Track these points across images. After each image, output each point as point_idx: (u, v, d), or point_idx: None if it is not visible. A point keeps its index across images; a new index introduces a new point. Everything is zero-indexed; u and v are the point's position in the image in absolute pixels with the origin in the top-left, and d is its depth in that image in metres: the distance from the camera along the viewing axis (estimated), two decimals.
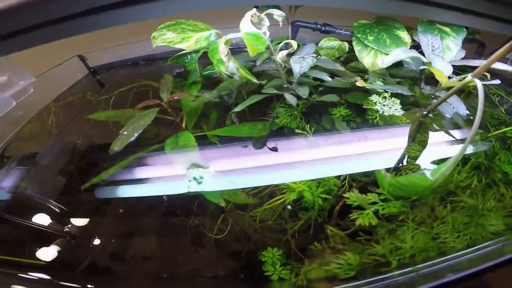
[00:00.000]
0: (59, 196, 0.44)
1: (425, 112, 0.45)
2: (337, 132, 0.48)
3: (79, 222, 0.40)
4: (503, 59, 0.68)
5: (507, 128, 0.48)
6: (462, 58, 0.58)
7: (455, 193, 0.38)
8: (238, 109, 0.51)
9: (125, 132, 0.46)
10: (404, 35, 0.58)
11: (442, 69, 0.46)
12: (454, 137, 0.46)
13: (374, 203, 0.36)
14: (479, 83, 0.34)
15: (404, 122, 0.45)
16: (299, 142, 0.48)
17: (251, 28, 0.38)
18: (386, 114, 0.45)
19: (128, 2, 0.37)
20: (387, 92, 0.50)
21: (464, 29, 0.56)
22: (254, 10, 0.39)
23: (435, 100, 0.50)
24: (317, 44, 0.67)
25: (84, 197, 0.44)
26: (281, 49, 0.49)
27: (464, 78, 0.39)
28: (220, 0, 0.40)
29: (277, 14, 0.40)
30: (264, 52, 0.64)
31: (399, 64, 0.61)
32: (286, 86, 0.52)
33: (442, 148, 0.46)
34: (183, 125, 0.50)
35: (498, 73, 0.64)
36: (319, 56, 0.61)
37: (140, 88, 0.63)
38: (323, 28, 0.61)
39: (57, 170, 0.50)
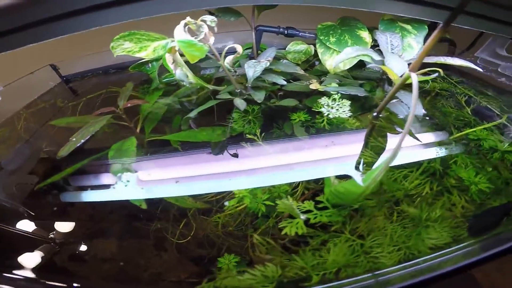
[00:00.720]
0: (22, 199, 0.44)
1: (375, 114, 0.43)
2: (296, 137, 0.46)
3: (40, 224, 0.39)
4: (472, 57, 0.65)
5: (469, 130, 0.44)
6: (433, 56, 0.54)
7: (403, 202, 0.35)
8: (192, 114, 0.50)
9: (74, 139, 0.46)
10: (365, 34, 0.55)
11: (396, 67, 0.43)
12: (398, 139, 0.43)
13: (309, 211, 0.33)
14: (414, 78, 0.31)
15: (353, 126, 0.42)
16: (255, 149, 0.46)
17: (184, 35, 0.37)
18: (332, 116, 0.42)
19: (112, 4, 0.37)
20: (337, 94, 0.47)
21: (426, 27, 0.53)
22: (188, 18, 0.38)
23: (393, 101, 0.47)
24: (285, 48, 0.66)
25: (48, 200, 0.44)
26: (226, 54, 0.47)
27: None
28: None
29: (210, 20, 0.38)
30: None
31: (363, 66, 0.58)
32: (239, 91, 0.50)
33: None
34: (137, 131, 0.50)
35: (469, 72, 0.61)
36: (283, 60, 0.59)
37: (108, 95, 0.63)
38: (286, 31, 0.60)
39: (22, 174, 0.50)
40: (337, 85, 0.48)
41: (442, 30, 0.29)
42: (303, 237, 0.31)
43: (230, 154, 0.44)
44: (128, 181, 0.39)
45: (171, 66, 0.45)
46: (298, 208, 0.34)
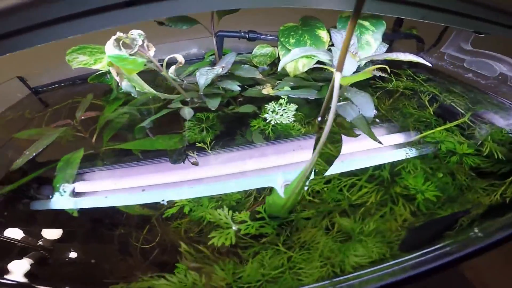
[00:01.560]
0: None
1: (319, 119, 0.40)
2: (254, 144, 0.44)
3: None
4: (439, 53, 0.62)
5: (427, 132, 0.41)
6: (384, 53, 0.52)
7: (341, 213, 0.32)
8: (145, 123, 0.48)
9: (27, 152, 0.46)
10: (323, 34, 0.52)
11: (346, 67, 0.40)
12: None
13: (244, 221, 0.31)
14: (337, 78, 0.29)
15: (297, 131, 0.40)
16: (208, 157, 0.44)
17: (114, 51, 0.35)
18: (275, 122, 0.40)
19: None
20: (285, 98, 0.45)
21: (383, 22, 0.50)
22: (118, 33, 0.36)
23: (342, 103, 0.44)
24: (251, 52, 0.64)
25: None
26: (168, 65, 0.45)
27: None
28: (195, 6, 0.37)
29: (137, 34, 0.37)
30: (189, 66, 0.61)
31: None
32: (189, 99, 0.48)
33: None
34: (93, 141, 0.48)
35: (437, 69, 0.57)
36: (244, 65, 0.57)
37: (74, 105, 0.62)
38: (247, 35, 0.58)
39: None
40: (289, 89, 0.46)
41: (354, 21, 0.26)
42: (241, 247, 0.29)
43: (191, 162, 0.42)
44: (64, 191, 0.38)
45: (116, 79, 0.44)
46: (233, 219, 0.32)
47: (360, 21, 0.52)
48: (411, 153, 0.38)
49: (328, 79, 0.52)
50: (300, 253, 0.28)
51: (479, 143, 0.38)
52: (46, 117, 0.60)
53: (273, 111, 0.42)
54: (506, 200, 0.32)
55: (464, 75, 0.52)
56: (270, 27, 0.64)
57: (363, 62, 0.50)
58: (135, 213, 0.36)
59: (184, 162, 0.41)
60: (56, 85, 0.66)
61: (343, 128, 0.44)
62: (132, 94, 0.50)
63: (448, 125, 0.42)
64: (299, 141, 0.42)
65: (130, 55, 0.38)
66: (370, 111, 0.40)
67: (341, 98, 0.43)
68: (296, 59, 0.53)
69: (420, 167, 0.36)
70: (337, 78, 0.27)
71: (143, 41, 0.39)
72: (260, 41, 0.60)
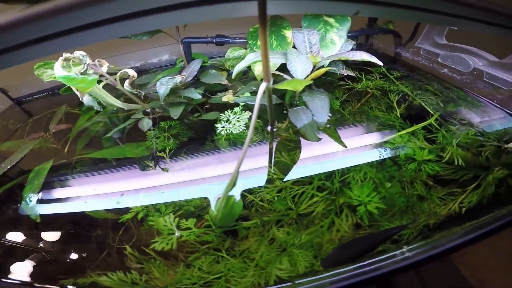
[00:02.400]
0: None
1: (268, 127, 0.38)
2: (218, 151, 0.43)
3: None
4: (413, 47, 0.57)
5: (389, 137, 0.39)
6: (350, 50, 0.48)
7: (280, 224, 0.31)
8: (110, 134, 0.48)
9: (3, 165, 0.47)
10: (289, 33, 0.50)
11: (300, 69, 0.38)
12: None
13: (188, 228, 0.31)
14: (261, 88, 0.26)
15: (249, 140, 0.38)
16: (172, 164, 0.44)
17: (61, 72, 0.35)
18: (225, 132, 0.39)
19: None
20: (240, 106, 0.43)
21: (349, 19, 0.47)
22: (65, 54, 0.36)
23: (295, 108, 0.41)
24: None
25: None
26: (122, 78, 0.44)
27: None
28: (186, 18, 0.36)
29: (80, 54, 0.36)
30: (158, 74, 0.60)
31: None
32: (149, 110, 0.48)
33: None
34: (65, 151, 0.49)
35: (414, 65, 0.54)
36: (211, 70, 0.55)
37: (53, 115, 0.63)
38: (214, 40, 0.56)
39: None
40: (249, 95, 0.44)
41: (262, 28, 0.23)
42: (187, 252, 0.29)
43: (161, 168, 0.42)
44: (30, 200, 0.39)
45: (77, 94, 0.44)
46: (179, 225, 0.32)
47: (326, 18, 0.49)
48: (367, 159, 0.36)
49: None
50: (237, 261, 0.27)
51: (441, 148, 0.36)
52: (28, 128, 0.61)
53: (226, 120, 0.41)
54: (462, 211, 0.30)
55: (439, 71, 0.49)
56: (244, 28, 0.62)
57: (327, 62, 0.48)
58: (97, 217, 0.37)
59: (145, 169, 0.41)
60: (37, 95, 0.68)
61: (308, 133, 0.42)
62: (95, 108, 0.50)
63: (412, 128, 0.39)
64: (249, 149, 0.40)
65: (81, 73, 0.38)
66: (323, 117, 0.37)
67: (297, 103, 0.41)
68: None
69: (371, 176, 0.34)
70: (261, 89, 0.26)
71: (99, 61, 0.39)
72: (230, 45, 0.58)
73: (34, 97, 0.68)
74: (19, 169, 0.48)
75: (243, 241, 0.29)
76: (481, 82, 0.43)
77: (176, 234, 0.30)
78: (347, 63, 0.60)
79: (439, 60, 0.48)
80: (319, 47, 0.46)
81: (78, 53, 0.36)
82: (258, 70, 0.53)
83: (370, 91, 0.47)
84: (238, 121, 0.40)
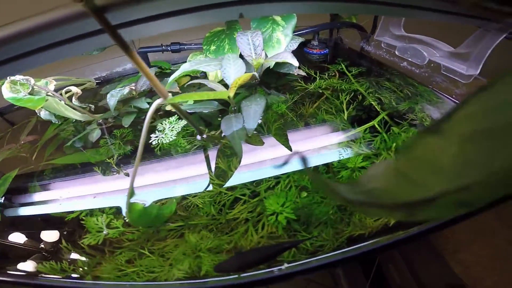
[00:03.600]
0: None
1: (199, 137, 0.37)
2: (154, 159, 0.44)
3: None
4: (375, 41, 0.52)
5: (329, 143, 0.36)
6: (293, 50, 0.45)
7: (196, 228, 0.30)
8: (69, 143, 0.50)
9: None
10: None
11: (232, 76, 0.36)
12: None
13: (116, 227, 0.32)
14: (154, 105, 0.26)
15: (182, 148, 0.38)
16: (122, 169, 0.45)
17: (9, 94, 0.38)
18: (158, 141, 0.38)
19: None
20: (176, 115, 0.42)
21: (294, 15, 0.44)
22: (9, 77, 0.38)
23: (229, 115, 0.39)
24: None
25: None
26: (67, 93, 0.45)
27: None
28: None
29: (21, 78, 0.38)
30: (119, 83, 0.61)
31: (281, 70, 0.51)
32: (101, 120, 0.48)
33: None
34: (33, 159, 0.52)
35: (377, 59, 0.49)
36: (166, 78, 0.55)
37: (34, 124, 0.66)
38: (169, 48, 0.55)
39: None
40: (192, 102, 0.43)
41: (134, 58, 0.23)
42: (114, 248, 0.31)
43: (124, 173, 0.44)
44: None
45: (37, 111, 0.46)
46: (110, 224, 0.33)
47: (274, 17, 0.46)
48: (299, 166, 0.34)
49: (249, 85, 0.48)
50: (152, 257, 0.27)
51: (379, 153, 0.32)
52: (8, 136, 0.66)
53: (161, 130, 0.40)
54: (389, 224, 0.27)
55: (400, 64, 0.44)
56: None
57: (272, 63, 0.45)
58: (48, 217, 0.39)
59: (128, 174, 0.42)
60: (17, 106, 0.72)
61: (252, 138, 0.41)
62: (52, 121, 0.52)
63: (353, 131, 0.36)
64: (178, 158, 0.40)
65: (29, 93, 0.40)
66: (252, 124, 0.35)
67: (234, 108, 0.39)
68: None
69: (295, 184, 0.32)
70: (153, 107, 0.25)
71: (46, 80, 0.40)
72: (190, 51, 0.58)
73: (15, 107, 0.72)
74: None
75: (162, 241, 0.30)
76: (439, 75, 0.39)
77: (104, 232, 0.33)
78: (311, 61, 0.57)
79: (396, 53, 0.44)
80: (264, 48, 0.44)
81: (18, 77, 0.38)
82: (212, 75, 0.52)
83: (321, 91, 0.44)
84: (172, 130, 0.40)
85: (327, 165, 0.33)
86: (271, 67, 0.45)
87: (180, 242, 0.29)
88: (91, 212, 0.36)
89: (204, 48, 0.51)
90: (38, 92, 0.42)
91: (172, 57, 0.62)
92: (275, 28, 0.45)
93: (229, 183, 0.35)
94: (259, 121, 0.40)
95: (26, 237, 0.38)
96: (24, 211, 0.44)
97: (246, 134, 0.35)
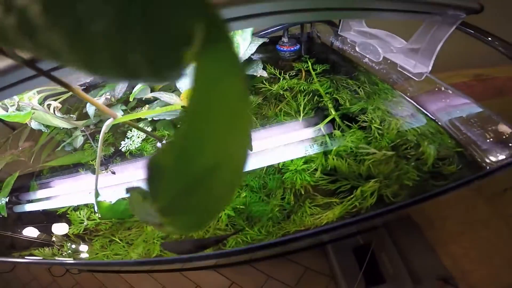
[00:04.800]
0: None
1: (159, 144, 0.40)
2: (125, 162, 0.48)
3: None
4: (342, 37, 0.50)
5: (277, 145, 0.37)
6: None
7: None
8: (60, 147, 0.55)
9: None
10: None
11: (184, 85, 0.38)
12: None
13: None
14: (106, 123, 0.28)
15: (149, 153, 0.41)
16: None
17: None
18: (127, 148, 0.42)
19: None
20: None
21: None
22: None
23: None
24: None
25: None
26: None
27: None
28: None
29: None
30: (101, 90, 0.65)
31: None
32: (83, 128, 0.53)
33: None
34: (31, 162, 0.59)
35: (345, 55, 0.48)
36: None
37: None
38: None
39: None
40: (160, 110, 0.46)
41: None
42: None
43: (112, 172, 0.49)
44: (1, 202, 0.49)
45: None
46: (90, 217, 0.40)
47: None
48: (253, 167, 0.36)
49: None
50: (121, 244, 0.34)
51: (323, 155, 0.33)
52: (11, 140, 0.73)
53: (130, 137, 0.43)
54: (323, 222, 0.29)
55: (363, 60, 0.43)
56: None
57: None
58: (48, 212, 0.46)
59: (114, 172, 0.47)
60: None
61: None
62: (43, 130, 0.57)
63: (300, 136, 0.37)
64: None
65: (16, 109, 0.45)
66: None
67: None
68: None
69: (245, 183, 0.34)
70: (105, 126, 0.28)
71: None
72: None
73: None
74: None
75: (128, 231, 0.36)
76: (395, 72, 0.38)
77: (85, 223, 0.39)
78: (283, 59, 0.57)
79: (357, 49, 0.43)
80: None
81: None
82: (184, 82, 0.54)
83: (282, 93, 0.45)
84: (138, 137, 0.43)
85: (274, 166, 0.35)
86: None
87: (142, 231, 0.35)
88: (77, 207, 0.42)
89: None
90: (24, 107, 0.48)
91: None
92: (235, 32, 0.45)
93: None
94: None
95: (27, 229, 0.45)
96: (28, 207, 0.50)
97: None
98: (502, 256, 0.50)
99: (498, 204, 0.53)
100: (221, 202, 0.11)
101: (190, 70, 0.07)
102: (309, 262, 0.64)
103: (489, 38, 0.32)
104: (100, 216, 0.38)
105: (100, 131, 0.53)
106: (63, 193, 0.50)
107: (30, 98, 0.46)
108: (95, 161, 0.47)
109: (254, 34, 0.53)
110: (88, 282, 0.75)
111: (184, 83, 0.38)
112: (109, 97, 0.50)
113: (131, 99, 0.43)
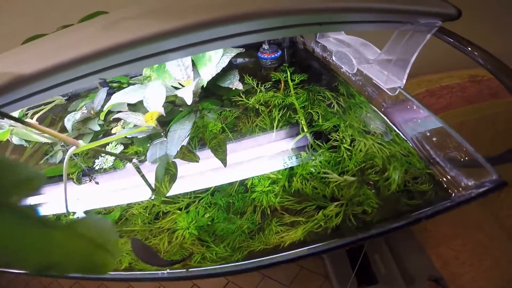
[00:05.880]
0: None
1: (128, 165, 0.39)
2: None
3: None
4: (321, 45, 0.48)
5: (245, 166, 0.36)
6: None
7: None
8: (43, 160, 0.55)
9: None
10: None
11: (152, 104, 0.38)
12: None
13: None
14: (69, 151, 0.28)
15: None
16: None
17: None
18: (100, 166, 0.42)
19: None
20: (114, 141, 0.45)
21: None
22: None
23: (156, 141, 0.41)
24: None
25: None
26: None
27: None
28: None
29: None
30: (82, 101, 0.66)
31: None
32: (62, 144, 0.53)
33: None
34: None
35: (323, 62, 0.46)
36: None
37: None
38: None
39: None
40: (132, 127, 0.46)
41: None
42: None
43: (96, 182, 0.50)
44: None
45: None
46: None
47: None
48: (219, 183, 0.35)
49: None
50: None
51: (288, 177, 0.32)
52: None
53: (103, 155, 0.43)
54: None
55: (341, 70, 0.41)
56: None
57: (204, 82, 0.45)
58: None
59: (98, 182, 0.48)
60: None
61: (186, 155, 0.43)
62: (24, 145, 0.58)
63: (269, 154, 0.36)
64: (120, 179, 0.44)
65: None
66: (174, 150, 0.37)
67: (162, 134, 0.41)
68: None
69: (213, 202, 0.33)
70: (67, 157, 0.28)
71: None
72: None
73: None
74: None
75: None
76: (370, 85, 0.36)
77: None
78: (265, 67, 0.55)
79: (333, 58, 0.41)
80: (198, 66, 0.45)
81: None
82: None
83: (257, 107, 0.44)
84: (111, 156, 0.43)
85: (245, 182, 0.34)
86: (204, 86, 0.45)
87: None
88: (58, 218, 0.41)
89: None
90: (2, 126, 0.49)
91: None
92: None
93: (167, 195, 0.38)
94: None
95: None
96: None
97: (168, 160, 0.37)
98: (493, 258, 0.49)
99: (491, 207, 0.52)
100: None
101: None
102: (304, 261, 0.64)
103: (469, 48, 0.30)
104: None
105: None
106: (46, 202, 0.51)
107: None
108: (75, 175, 0.48)
109: None
110: (88, 281, 0.77)
111: (152, 103, 0.38)
112: (86, 111, 0.50)
113: (101, 118, 0.43)
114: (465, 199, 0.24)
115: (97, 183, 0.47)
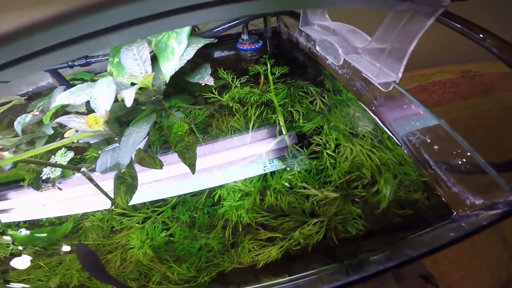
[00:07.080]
0: None
1: (77, 174, 0.33)
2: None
3: None
4: (306, 35, 0.43)
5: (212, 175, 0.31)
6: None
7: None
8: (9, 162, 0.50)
9: None
10: None
11: (102, 106, 0.32)
12: None
13: None
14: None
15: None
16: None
17: None
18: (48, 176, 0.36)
19: None
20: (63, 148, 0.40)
21: None
22: None
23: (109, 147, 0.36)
24: None
25: None
26: None
27: None
28: None
29: None
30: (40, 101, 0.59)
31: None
32: (14, 150, 0.47)
33: None
34: None
35: (308, 53, 0.41)
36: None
37: None
38: (75, 64, 0.51)
39: None
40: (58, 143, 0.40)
41: None
42: None
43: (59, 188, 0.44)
44: None
45: None
46: None
47: None
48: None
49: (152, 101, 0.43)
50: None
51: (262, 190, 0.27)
52: None
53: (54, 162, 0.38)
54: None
55: (326, 62, 0.36)
56: None
57: (167, 77, 0.40)
58: None
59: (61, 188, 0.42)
60: None
61: (145, 161, 0.37)
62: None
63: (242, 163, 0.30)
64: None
65: None
66: (127, 159, 0.32)
67: (116, 138, 0.35)
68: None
69: (174, 217, 0.28)
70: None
71: None
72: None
73: None
74: None
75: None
76: (358, 79, 0.31)
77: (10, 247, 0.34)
78: (246, 60, 0.50)
79: (317, 49, 0.36)
80: (160, 59, 0.39)
81: None
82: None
83: (231, 105, 0.38)
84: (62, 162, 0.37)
85: (212, 197, 0.29)
86: (167, 82, 0.39)
87: (65, 258, 0.31)
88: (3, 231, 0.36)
89: (110, 60, 0.46)
90: None
91: (95, 66, 0.58)
92: (170, 35, 0.39)
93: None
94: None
95: None
96: None
97: (120, 170, 0.32)
98: (482, 257, 0.48)
99: None
100: None
101: None
102: None
103: (480, 35, 0.25)
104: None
105: (33, 147, 0.48)
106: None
107: None
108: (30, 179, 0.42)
109: (200, 34, 0.46)
110: None
111: (102, 103, 0.32)
112: (37, 113, 0.44)
113: (46, 122, 0.37)
114: (477, 228, 0.20)
115: (60, 189, 0.41)
